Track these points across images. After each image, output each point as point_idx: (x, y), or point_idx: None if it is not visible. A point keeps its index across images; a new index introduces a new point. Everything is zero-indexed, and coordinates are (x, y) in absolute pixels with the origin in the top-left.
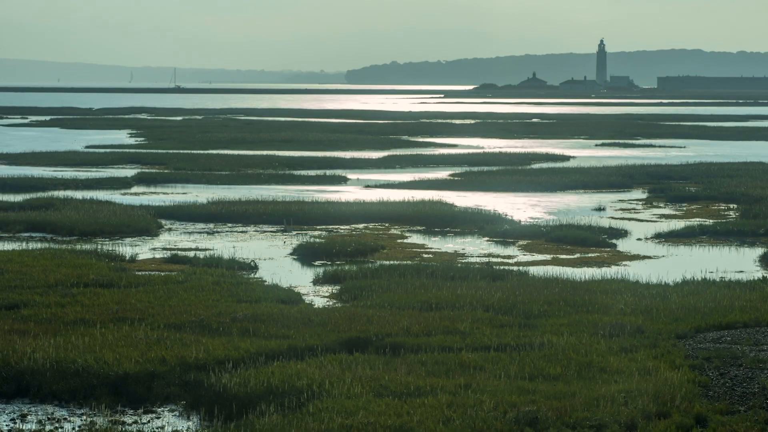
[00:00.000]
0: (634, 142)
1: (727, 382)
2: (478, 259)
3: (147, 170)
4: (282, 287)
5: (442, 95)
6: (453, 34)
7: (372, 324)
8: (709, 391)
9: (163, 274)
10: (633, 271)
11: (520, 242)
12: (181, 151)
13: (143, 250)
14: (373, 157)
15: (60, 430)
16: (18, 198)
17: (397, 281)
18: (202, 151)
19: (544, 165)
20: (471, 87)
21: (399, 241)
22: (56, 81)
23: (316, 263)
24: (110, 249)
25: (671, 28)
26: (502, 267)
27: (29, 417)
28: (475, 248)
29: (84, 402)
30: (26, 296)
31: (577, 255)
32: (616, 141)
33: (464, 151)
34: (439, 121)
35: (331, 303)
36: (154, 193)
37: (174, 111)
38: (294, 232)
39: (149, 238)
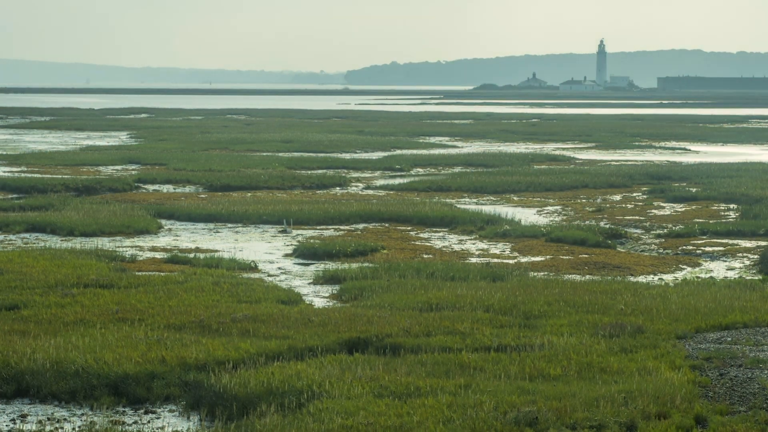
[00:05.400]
0: (634, 142)
1: (727, 383)
2: (478, 260)
3: (147, 170)
4: (282, 288)
5: (442, 96)
6: (453, 34)
7: (372, 324)
8: (709, 391)
9: (163, 274)
10: (633, 271)
11: (520, 242)
12: (181, 152)
13: (143, 250)
14: (373, 158)
15: (60, 430)
16: (18, 198)
17: (397, 282)
18: (202, 152)
19: (545, 165)
20: (471, 87)
21: (399, 241)
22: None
23: (316, 264)
24: (110, 249)
25: (671, 28)
26: (502, 267)
27: (29, 417)
28: (475, 248)
29: (84, 402)
30: (26, 297)
31: (577, 255)
32: (616, 142)
33: (464, 152)
34: (439, 121)
35: (331, 303)
36: (154, 193)
37: (174, 111)
38: (294, 233)
39: (149, 238)
